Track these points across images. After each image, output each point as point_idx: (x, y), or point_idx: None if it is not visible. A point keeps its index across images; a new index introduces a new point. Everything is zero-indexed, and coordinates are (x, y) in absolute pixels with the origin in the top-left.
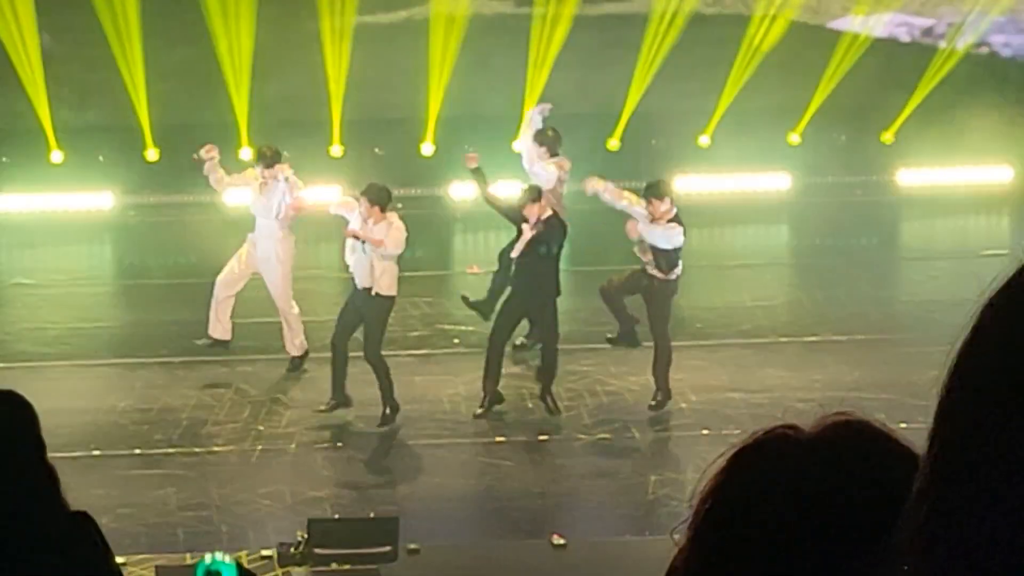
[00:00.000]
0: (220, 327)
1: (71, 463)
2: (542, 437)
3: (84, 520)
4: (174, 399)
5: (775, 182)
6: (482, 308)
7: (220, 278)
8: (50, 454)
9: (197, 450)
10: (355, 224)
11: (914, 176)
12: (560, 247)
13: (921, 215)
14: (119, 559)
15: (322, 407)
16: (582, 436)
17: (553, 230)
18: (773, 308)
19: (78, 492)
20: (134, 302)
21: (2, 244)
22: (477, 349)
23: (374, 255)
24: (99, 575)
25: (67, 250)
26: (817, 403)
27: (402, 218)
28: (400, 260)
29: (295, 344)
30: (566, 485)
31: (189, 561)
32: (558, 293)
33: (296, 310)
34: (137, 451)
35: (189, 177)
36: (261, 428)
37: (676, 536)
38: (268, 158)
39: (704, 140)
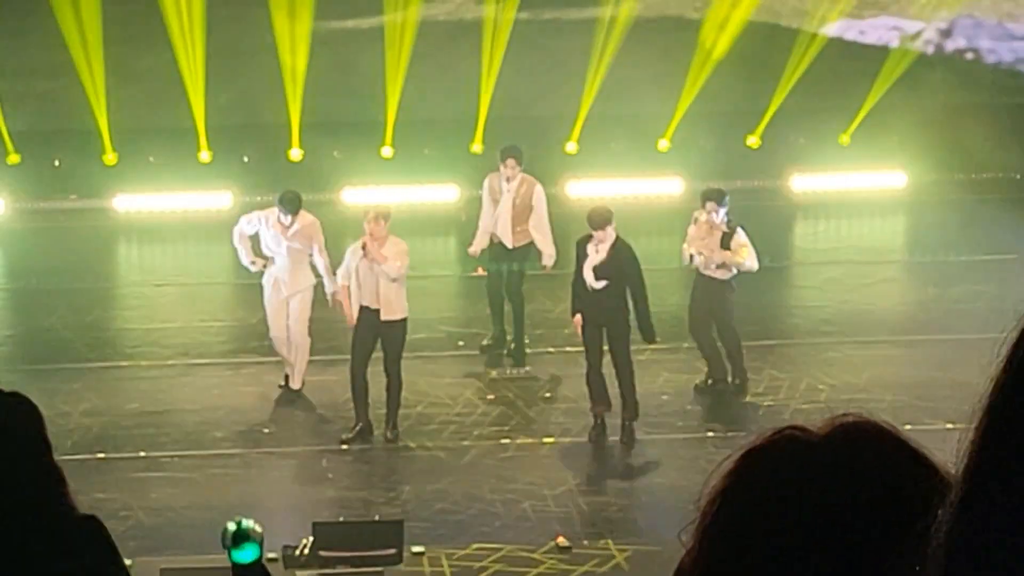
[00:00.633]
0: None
1: (77, 465)
2: (547, 440)
3: (92, 522)
4: (179, 402)
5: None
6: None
7: (274, 335)
8: (56, 457)
9: (203, 453)
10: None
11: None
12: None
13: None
14: (125, 561)
15: (346, 435)
16: (588, 439)
17: (623, 253)
18: (778, 310)
19: (84, 494)
20: (140, 305)
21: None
22: (482, 351)
23: (381, 276)
24: None
25: (70, 252)
26: (824, 405)
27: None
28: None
29: (299, 377)
30: (571, 487)
31: (194, 564)
32: (652, 339)
33: (309, 341)
34: (142, 454)
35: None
36: (267, 431)
37: (683, 538)
38: (294, 204)
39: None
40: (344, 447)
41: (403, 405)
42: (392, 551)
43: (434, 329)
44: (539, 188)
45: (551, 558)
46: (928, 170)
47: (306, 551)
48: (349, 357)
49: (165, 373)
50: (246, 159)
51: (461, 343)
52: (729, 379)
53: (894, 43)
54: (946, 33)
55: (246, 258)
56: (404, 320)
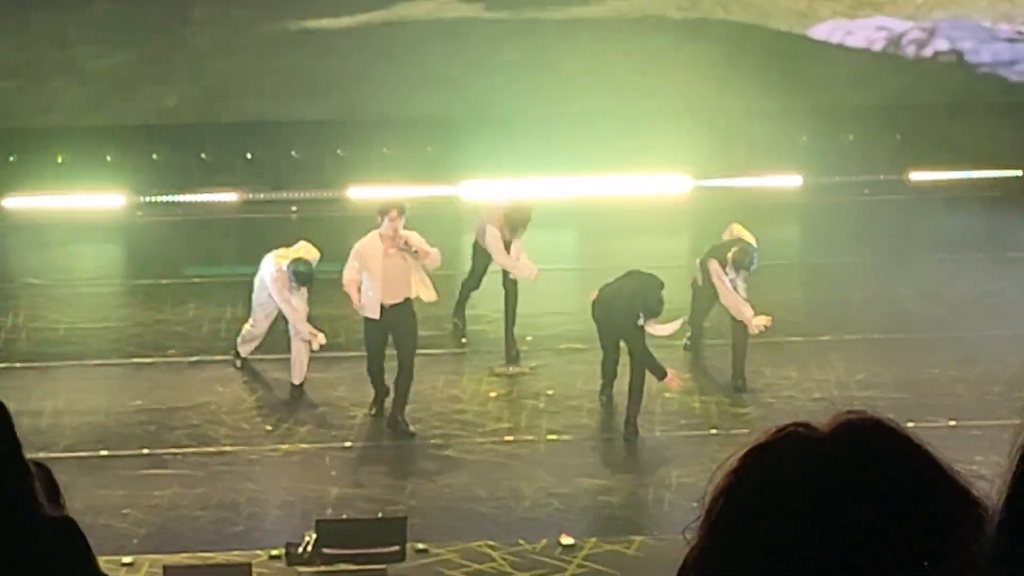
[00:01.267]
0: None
1: (79, 463)
2: (551, 437)
3: (65, 526)
4: (182, 399)
5: (786, 181)
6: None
7: (252, 330)
8: (59, 454)
9: (205, 450)
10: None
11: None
12: None
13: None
14: (127, 558)
15: (372, 411)
16: (591, 436)
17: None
18: (781, 308)
19: (86, 492)
20: (142, 302)
21: (8, 245)
22: (485, 349)
23: (416, 266)
24: None
25: (74, 250)
26: (828, 402)
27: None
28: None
29: (300, 373)
30: (575, 485)
31: (197, 561)
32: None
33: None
34: (145, 451)
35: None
36: (269, 428)
37: (688, 535)
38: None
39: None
40: (347, 444)
41: (407, 402)
42: (395, 548)
43: (438, 327)
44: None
45: (554, 555)
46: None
47: (309, 548)
48: (364, 356)
49: (168, 370)
50: (249, 156)
51: (464, 341)
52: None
53: (878, 45)
54: (930, 34)
55: (304, 327)
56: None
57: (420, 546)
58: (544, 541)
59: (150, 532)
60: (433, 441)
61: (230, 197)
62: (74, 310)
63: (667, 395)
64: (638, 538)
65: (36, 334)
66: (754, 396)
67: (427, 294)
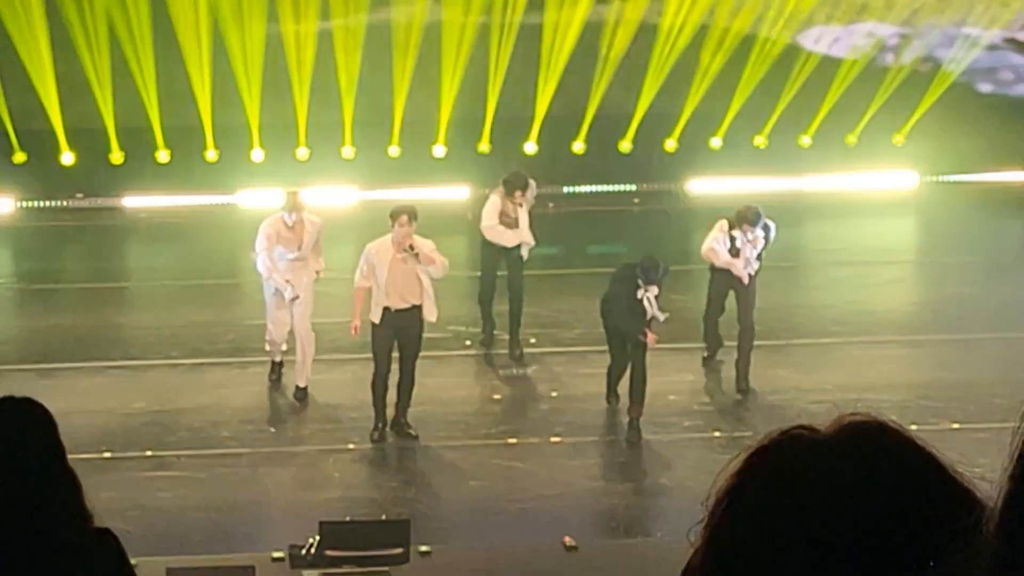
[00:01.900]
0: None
1: (82, 464)
2: (554, 439)
3: (106, 536)
4: (185, 401)
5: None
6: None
7: (274, 337)
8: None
9: (209, 452)
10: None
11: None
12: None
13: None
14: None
15: (375, 435)
16: (594, 438)
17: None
18: (785, 310)
19: (89, 494)
20: (146, 303)
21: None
22: (488, 351)
23: (423, 274)
24: None
25: (80, 251)
26: (831, 405)
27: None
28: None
29: (305, 375)
30: (578, 487)
31: (201, 563)
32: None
33: (314, 336)
34: (148, 453)
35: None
36: (272, 430)
37: (692, 537)
38: (295, 204)
39: (716, 142)
40: (351, 446)
41: (409, 406)
42: (399, 550)
43: (441, 329)
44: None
45: (558, 558)
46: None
47: (313, 550)
48: (367, 359)
49: (172, 372)
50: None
51: (468, 343)
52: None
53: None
54: (906, 41)
55: (281, 281)
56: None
57: (423, 548)
58: (548, 543)
59: (153, 534)
60: (436, 443)
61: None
62: (79, 312)
63: (671, 397)
64: (642, 540)
65: (40, 335)
66: (757, 399)
67: (429, 311)
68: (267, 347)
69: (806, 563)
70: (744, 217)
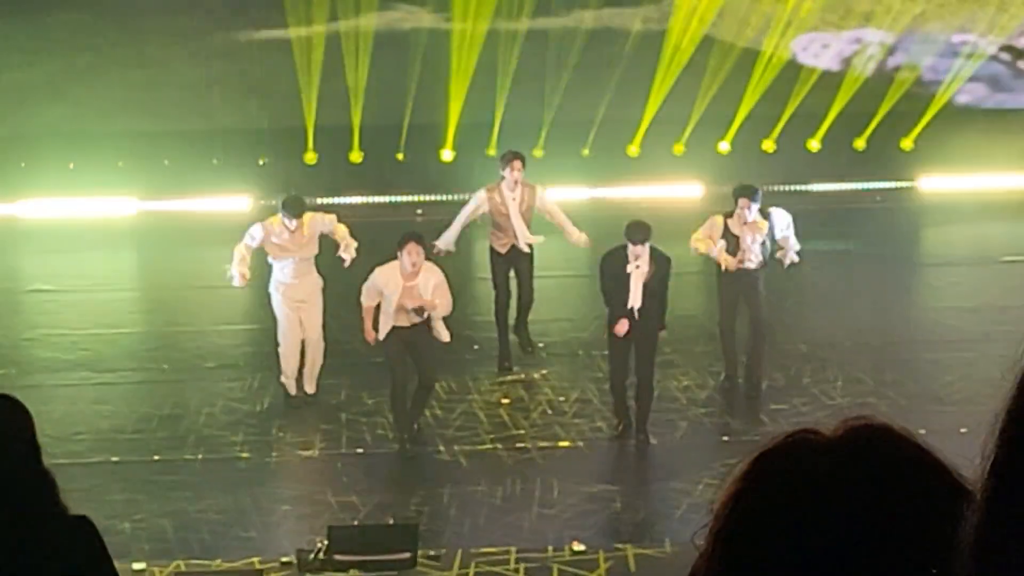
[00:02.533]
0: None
1: (91, 469)
2: (561, 443)
3: (82, 524)
4: (195, 405)
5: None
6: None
7: (287, 348)
8: (71, 461)
9: (216, 456)
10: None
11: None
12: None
13: (940, 221)
14: (139, 565)
15: (408, 450)
16: (603, 443)
17: (661, 265)
18: (787, 312)
19: (96, 498)
20: (155, 309)
21: (20, 249)
22: (496, 354)
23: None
24: None
25: (87, 256)
26: (838, 409)
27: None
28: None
29: (314, 381)
30: (586, 491)
31: (209, 568)
32: (663, 327)
33: (324, 344)
34: (156, 457)
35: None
36: (281, 434)
37: (698, 541)
38: (297, 207)
39: (724, 146)
40: (359, 451)
41: (422, 413)
42: (407, 555)
43: (450, 332)
44: (541, 189)
45: (565, 562)
46: None
47: (321, 555)
48: (378, 363)
49: (180, 377)
50: (262, 162)
51: (476, 347)
52: (740, 380)
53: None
54: (890, 50)
55: (236, 268)
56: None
57: (431, 552)
58: (556, 548)
59: (161, 539)
60: (444, 447)
61: None
62: (85, 317)
63: (680, 400)
64: (649, 544)
65: (48, 340)
66: (765, 403)
67: (441, 333)
68: (282, 379)
69: (812, 566)
70: (741, 192)
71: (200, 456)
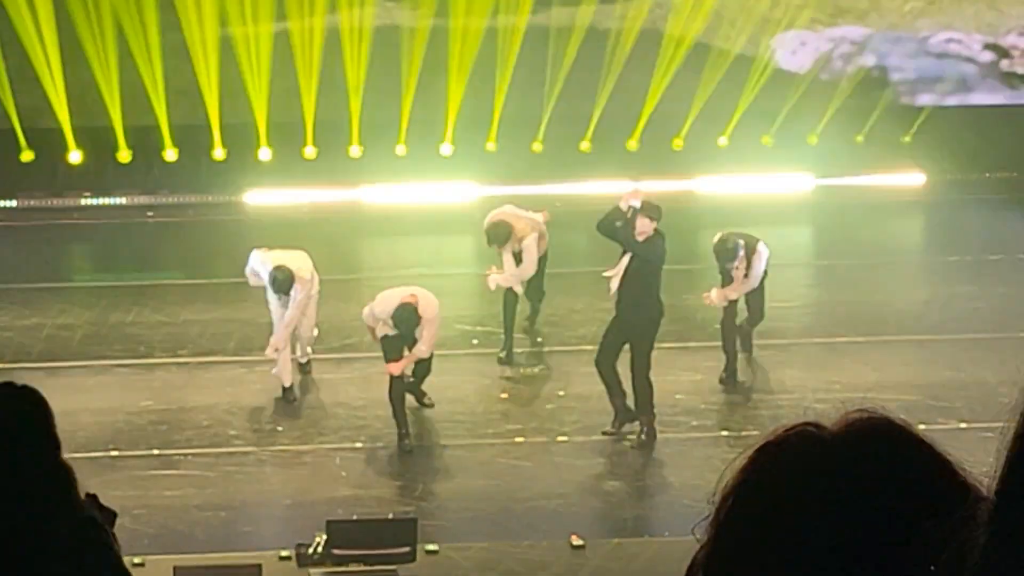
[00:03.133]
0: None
1: (89, 463)
2: (561, 438)
3: (96, 524)
4: (193, 399)
5: (796, 183)
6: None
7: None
8: (68, 454)
9: (215, 451)
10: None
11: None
12: (661, 264)
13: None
14: (137, 559)
15: (407, 444)
16: (601, 437)
17: (656, 247)
18: (792, 309)
19: (96, 492)
20: (153, 302)
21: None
22: (495, 350)
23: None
24: None
25: (85, 250)
26: (838, 402)
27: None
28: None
29: (306, 350)
30: (585, 486)
31: (208, 562)
32: (661, 314)
33: (316, 332)
34: (155, 451)
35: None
36: (280, 429)
37: (697, 533)
38: (286, 286)
39: (723, 140)
40: (358, 445)
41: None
42: (406, 549)
43: (448, 327)
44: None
45: (564, 556)
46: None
47: (320, 549)
48: (376, 357)
49: (179, 371)
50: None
51: (475, 341)
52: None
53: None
54: (860, 48)
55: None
56: None
57: (430, 547)
58: (554, 542)
59: (160, 532)
60: (443, 442)
61: None
62: (87, 310)
63: (679, 396)
64: (647, 539)
65: (48, 334)
66: (764, 397)
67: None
68: (273, 371)
69: (812, 560)
70: (719, 255)
71: (199, 450)
